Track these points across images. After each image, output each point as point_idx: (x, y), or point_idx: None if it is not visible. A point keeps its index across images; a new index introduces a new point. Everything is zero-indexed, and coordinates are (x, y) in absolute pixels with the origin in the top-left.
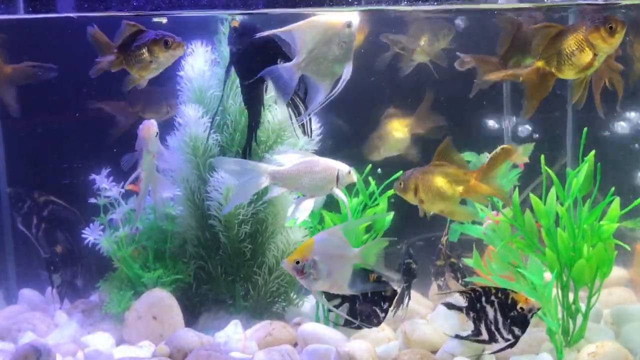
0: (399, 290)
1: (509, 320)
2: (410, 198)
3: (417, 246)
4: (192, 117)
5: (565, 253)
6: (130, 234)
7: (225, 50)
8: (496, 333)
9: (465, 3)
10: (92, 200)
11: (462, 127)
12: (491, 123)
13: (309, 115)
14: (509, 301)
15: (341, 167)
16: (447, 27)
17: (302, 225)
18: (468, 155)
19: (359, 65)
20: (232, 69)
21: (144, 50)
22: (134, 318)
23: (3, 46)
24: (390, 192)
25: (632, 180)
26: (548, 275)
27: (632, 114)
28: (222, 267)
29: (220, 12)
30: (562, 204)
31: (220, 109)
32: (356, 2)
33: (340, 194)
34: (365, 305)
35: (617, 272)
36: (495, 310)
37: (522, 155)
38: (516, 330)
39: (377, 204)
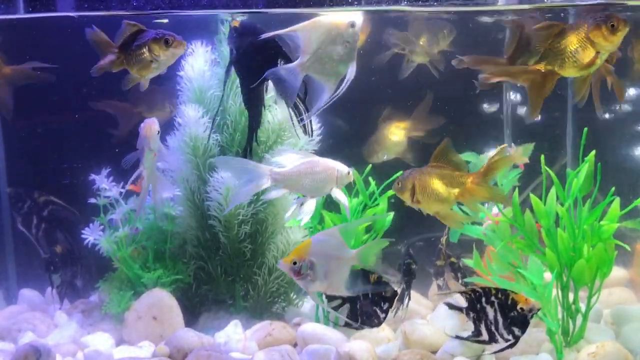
0: (399, 291)
1: (509, 321)
2: (407, 198)
3: (417, 246)
4: (192, 117)
5: (565, 253)
6: (130, 234)
7: (226, 50)
8: (496, 333)
9: (465, 4)
10: (92, 200)
11: (462, 127)
12: (491, 123)
13: (314, 114)
14: (509, 301)
15: (340, 167)
16: (448, 28)
17: (299, 224)
18: (468, 156)
19: (359, 65)
20: (232, 69)
21: (144, 50)
22: (133, 318)
23: (3, 46)
24: (390, 192)
25: (632, 180)
26: (548, 276)
27: (632, 114)
28: (222, 268)
29: (220, 12)
30: (562, 204)
31: (220, 109)
32: (356, 2)
33: (340, 194)
34: (366, 305)
35: (617, 272)
36: (495, 311)
37: (522, 155)
38: (516, 331)
39: (377, 204)
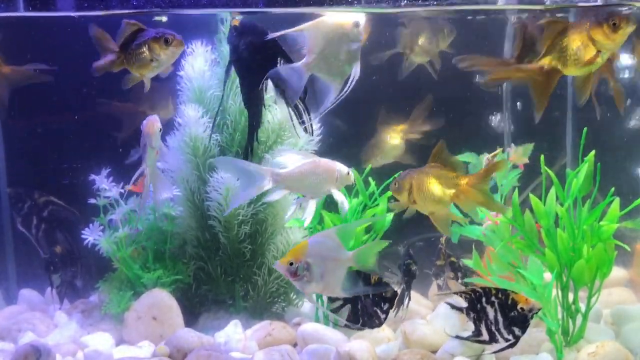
0: (399, 291)
1: (509, 321)
2: (404, 198)
3: (417, 246)
4: (192, 117)
5: (565, 253)
6: (130, 234)
7: (226, 50)
8: (496, 333)
9: (465, 3)
10: (92, 200)
11: (461, 127)
12: (491, 123)
13: (321, 114)
14: (509, 301)
15: (340, 168)
16: (448, 28)
17: (301, 225)
18: (468, 156)
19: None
20: (232, 69)
21: (144, 49)
22: (133, 318)
23: (2, 45)
24: (390, 192)
25: (632, 180)
26: (548, 276)
27: (631, 114)
28: (222, 268)
29: (220, 11)
30: (561, 205)
31: (220, 109)
32: (356, 2)
33: (340, 195)
34: (367, 306)
35: (617, 272)
36: (495, 311)
37: (522, 155)
38: (516, 331)
39: (377, 205)
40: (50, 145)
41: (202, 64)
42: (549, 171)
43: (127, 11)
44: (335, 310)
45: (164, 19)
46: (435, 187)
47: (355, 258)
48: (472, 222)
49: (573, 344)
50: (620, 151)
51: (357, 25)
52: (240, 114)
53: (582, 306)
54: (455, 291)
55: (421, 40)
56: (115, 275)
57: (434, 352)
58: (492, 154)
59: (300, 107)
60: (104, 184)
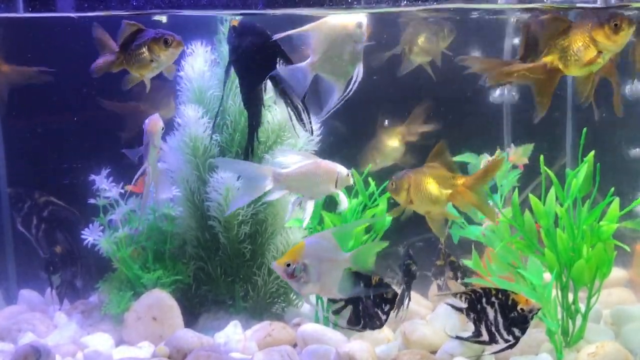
0: (399, 292)
1: (509, 321)
2: (402, 198)
3: (417, 247)
4: (192, 117)
5: (564, 254)
6: (132, 235)
7: (225, 50)
8: (496, 334)
9: (466, 3)
10: (92, 200)
11: (462, 127)
12: (491, 123)
13: (326, 114)
14: (510, 302)
15: (340, 169)
16: (448, 27)
17: (301, 225)
18: (467, 157)
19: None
20: (232, 69)
21: (144, 49)
22: (133, 319)
23: (2, 45)
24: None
25: (631, 180)
26: (547, 276)
27: (631, 114)
28: (222, 268)
29: (220, 12)
30: (561, 205)
31: (220, 109)
32: (356, 2)
33: (341, 195)
34: (368, 307)
35: (617, 272)
36: (495, 311)
37: (521, 155)
38: (516, 331)
39: (377, 205)
40: (50, 145)
41: (201, 65)
42: (549, 171)
43: (127, 12)
44: (337, 311)
45: (164, 19)
46: (432, 187)
47: (352, 259)
48: (471, 223)
49: (573, 344)
50: (619, 151)
51: (360, 26)
52: (240, 114)
53: (582, 306)
54: (455, 292)
55: (421, 40)
56: (115, 276)
57: (434, 352)
58: (494, 157)
59: (300, 107)
60: (104, 184)
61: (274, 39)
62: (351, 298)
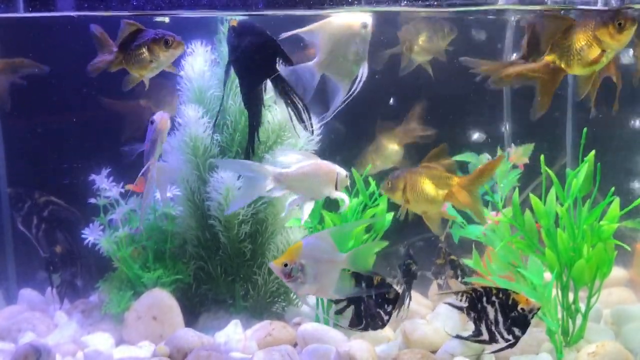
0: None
1: (509, 321)
2: (397, 198)
3: (417, 246)
4: (192, 117)
5: (565, 253)
6: (130, 234)
7: (225, 50)
8: (496, 333)
9: (466, 3)
10: (92, 200)
11: (462, 127)
12: (491, 123)
13: (332, 113)
14: (510, 302)
15: (339, 170)
16: (448, 27)
17: (302, 225)
18: (468, 156)
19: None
20: (232, 69)
21: (144, 50)
22: (133, 318)
23: (3, 45)
24: None
25: (632, 180)
26: (548, 276)
27: (631, 114)
28: (222, 267)
29: (220, 13)
30: (562, 204)
31: (220, 109)
32: (356, 2)
33: (342, 196)
34: (370, 307)
35: (617, 272)
36: (495, 311)
37: (522, 155)
38: (516, 331)
39: (377, 205)
40: (50, 145)
41: (202, 64)
42: (549, 171)
43: (127, 12)
44: (339, 312)
45: (167, 20)
46: (428, 186)
47: (349, 260)
48: (471, 222)
49: (573, 344)
50: (620, 151)
51: (365, 26)
52: (240, 114)
53: (582, 306)
54: (456, 291)
55: (421, 39)
56: (116, 275)
57: (434, 352)
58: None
59: (300, 106)
60: (104, 184)
61: (281, 38)
62: (353, 298)
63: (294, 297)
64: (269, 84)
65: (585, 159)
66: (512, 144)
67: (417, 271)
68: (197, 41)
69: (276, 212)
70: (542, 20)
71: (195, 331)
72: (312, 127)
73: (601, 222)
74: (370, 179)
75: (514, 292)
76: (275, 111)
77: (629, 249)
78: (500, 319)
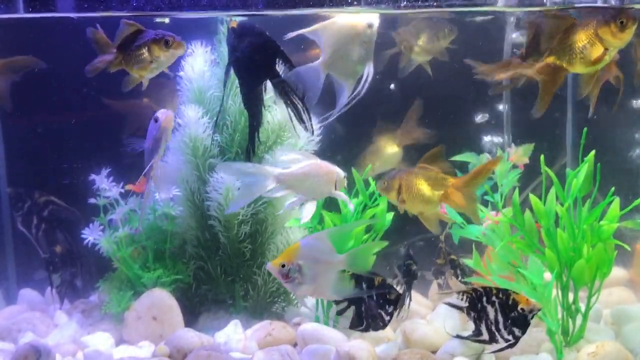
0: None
1: (509, 321)
2: (392, 198)
3: (417, 247)
4: (191, 117)
5: (565, 253)
6: (130, 234)
7: (225, 50)
8: (497, 333)
9: (465, 4)
10: (92, 200)
11: (462, 127)
12: (491, 123)
13: (338, 112)
14: (510, 302)
15: (338, 171)
16: (448, 27)
17: (302, 225)
18: (468, 156)
19: None
20: (232, 70)
21: (144, 50)
22: (133, 318)
23: (2, 46)
24: None
25: (632, 180)
26: (548, 276)
27: (631, 114)
28: (222, 268)
29: (220, 14)
30: (562, 204)
31: (221, 109)
32: (356, 2)
33: (344, 196)
34: (371, 308)
35: (617, 272)
36: (496, 311)
37: (522, 155)
38: (516, 331)
39: (377, 205)
40: (50, 145)
41: (201, 65)
42: (549, 171)
43: (127, 13)
44: (340, 312)
45: (167, 20)
46: (423, 187)
47: (346, 261)
48: (470, 222)
49: (573, 344)
50: (620, 151)
51: (370, 26)
52: (240, 114)
53: (582, 306)
54: (456, 290)
55: (422, 39)
56: (115, 275)
57: (434, 352)
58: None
59: (300, 106)
60: (104, 184)
61: (286, 38)
62: (354, 299)
63: (294, 297)
64: (268, 84)
65: (585, 159)
66: (512, 144)
67: (417, 271)
68: (197, 41)
69: (276, 212)
70: (543, 20)
71: (195, 331)
72: (312, 127)
73: (601, 222)
74: (370, 179)
75: (514, 292)
76: (275, 111)
77: (629, 249)
78: (500, 319)
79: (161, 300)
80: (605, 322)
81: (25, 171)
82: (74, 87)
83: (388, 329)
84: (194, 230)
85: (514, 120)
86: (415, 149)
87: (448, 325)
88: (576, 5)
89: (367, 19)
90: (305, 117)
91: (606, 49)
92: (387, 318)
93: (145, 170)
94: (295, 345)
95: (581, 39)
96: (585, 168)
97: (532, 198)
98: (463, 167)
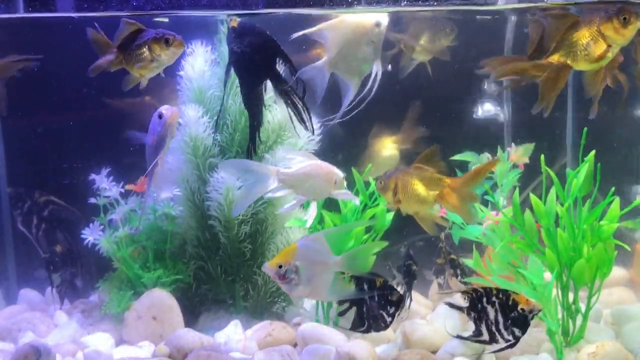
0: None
1: (509, 321)
2: (389, 197)
3: (417, 247)
4: (192, 117)
5: (565, 253)
6: (130, 234)
7: (225, 50)
8: (497, 333)
9: (465, 3)
10: (92, 200)
11: (462, 127)
12: (491, 123)
13: (344, 110)
14: (510, 302)
15: (337, 171)
16: (449, 27)
17: (301, 225)
18: (468, 155)
19: None
20: (232, 69)
21: (144, 49)
22: (133, 318)
23: (2, 45)
24: None
25: (632, 180)
26: (548, 276)
27: (632, 115)
28: (222, 268)
29: (220, 12)
30: (562, 204)
31: (221, 108)
32: (356, 2)
33: (347, 195)
34: (372, 309)
35: (617, 272)
36: (496, 311)
37: (522, 155)
38: (517, 331)
39: (377, 205)
40: (50, 145)
41: (202, 64)
42: (549, 171)
43: (127, 13)
44: (342, 313)
45: (166, 20)
46: (419, 187)
47: (343, 262)
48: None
49: (573, 344)
50: (620, 151)
51: (378, 24)
52: (240, 114)
53: (582, 306)
54: (456, 290)
55: (422, 39)
56: (116, 275)
57: (434, 352)
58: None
59: (300, 106)
60: (104, 184)
61: (292, 38)
62: (356, 300)
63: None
64: (269, 84)
65: (585, 159)
66: (512, 144)
67: (417, 272)
68: (197, 41)
69: (276, 212)
70: (546, 18)
71: (195, 331)
72: (312, 126)
73: (601, 222)
74: (370, 179)
75: (514, 292)
76: (276, 111)
77: (629, 249)
78: (500, 319)
79: (161, 300)
80: (605, 322)
81: (25, 171)
82: (73, 86)
83: (388, 329)
84: (194, 230)
85: (514, 120)
86: (414, 149)
87: (448, 325)
88: (577, 1)
89: (375, 17)
90: (305, 116)
91: (609, 46)
92: (388, 319)
93: (150, 168)
94: (295, 345)
95: (584, 35)
96: (585, 168)
97: (532, 198)
98: (463, 166)
